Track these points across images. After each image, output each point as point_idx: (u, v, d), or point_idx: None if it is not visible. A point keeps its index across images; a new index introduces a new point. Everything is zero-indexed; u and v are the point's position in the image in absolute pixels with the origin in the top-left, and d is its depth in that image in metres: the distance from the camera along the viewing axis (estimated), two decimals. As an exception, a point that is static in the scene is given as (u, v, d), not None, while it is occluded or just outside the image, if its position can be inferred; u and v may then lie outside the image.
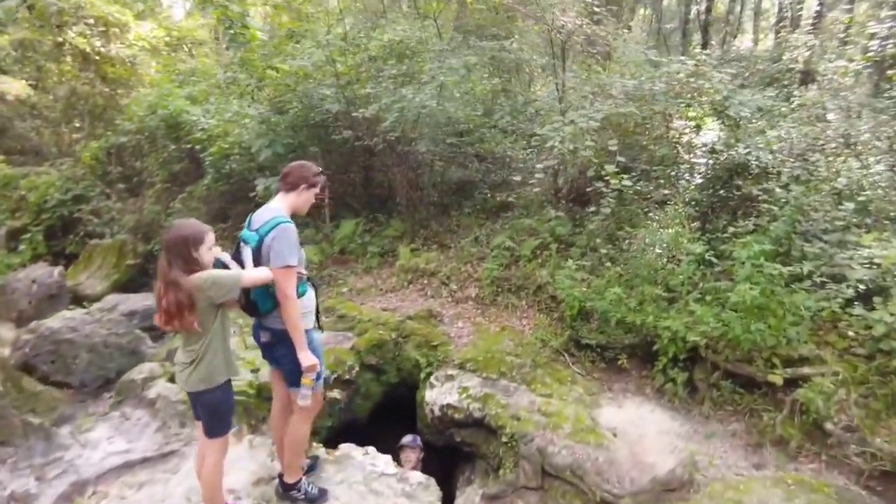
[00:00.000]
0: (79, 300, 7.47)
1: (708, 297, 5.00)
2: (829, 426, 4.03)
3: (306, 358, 3.24)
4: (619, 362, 5.25)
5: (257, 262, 3.16)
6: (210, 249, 2.99)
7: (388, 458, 4.44)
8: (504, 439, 4.47)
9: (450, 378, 5.18)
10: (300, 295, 3.26)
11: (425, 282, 6.95)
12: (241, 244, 3.27)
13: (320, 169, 3.43)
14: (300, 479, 3.77)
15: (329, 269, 7.32)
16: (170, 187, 9.51)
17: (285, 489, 3.76)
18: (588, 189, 6.29)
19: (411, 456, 5.20)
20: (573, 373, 5.27)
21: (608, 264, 5.83)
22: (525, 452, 4.14)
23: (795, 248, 5.00)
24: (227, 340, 3.12)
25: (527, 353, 5.32)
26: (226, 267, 3.14)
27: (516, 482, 4.20)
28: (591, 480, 3.83)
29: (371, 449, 4.54)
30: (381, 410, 5.80)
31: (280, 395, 3.67)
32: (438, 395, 5.07)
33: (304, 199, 3.35)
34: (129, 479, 3.98)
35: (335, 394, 5.14)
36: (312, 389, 3.34)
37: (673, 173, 6.85)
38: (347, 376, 5.30)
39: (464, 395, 4.94)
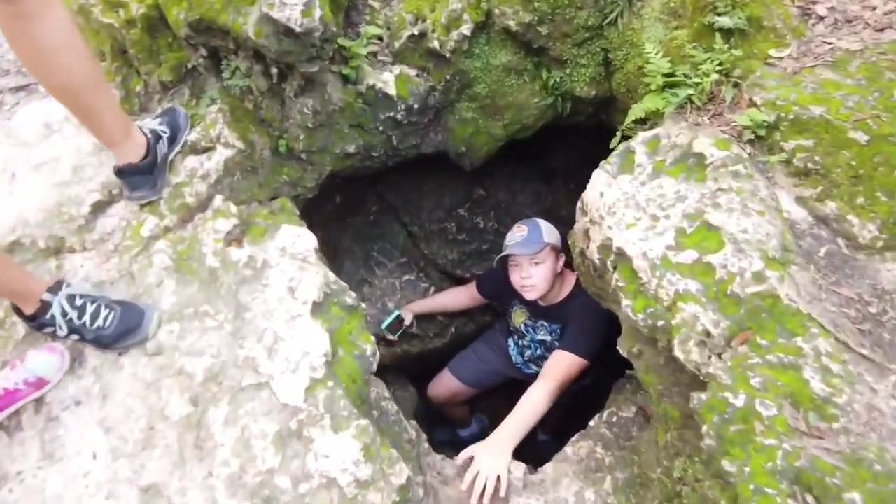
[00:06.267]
0: None
1: None
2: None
3: None
4: None
5: None
6: None
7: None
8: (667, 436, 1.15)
9: (697, 162, 1.53)
10: None
11: None
12: None
13: None
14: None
15: None
16: None
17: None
18: None
19: (531, 271, 2.26)
20: None
21: None
22: None
23: None
24: None
25: None
26: None
27: None
28: None
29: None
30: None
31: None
32: (615, 203, 1.59)
33: None
34: None
35: (385, 80, 2.01)
36: None
37: None
38: (435, 41, 1.98)
39: (681, 249, 1.41)
